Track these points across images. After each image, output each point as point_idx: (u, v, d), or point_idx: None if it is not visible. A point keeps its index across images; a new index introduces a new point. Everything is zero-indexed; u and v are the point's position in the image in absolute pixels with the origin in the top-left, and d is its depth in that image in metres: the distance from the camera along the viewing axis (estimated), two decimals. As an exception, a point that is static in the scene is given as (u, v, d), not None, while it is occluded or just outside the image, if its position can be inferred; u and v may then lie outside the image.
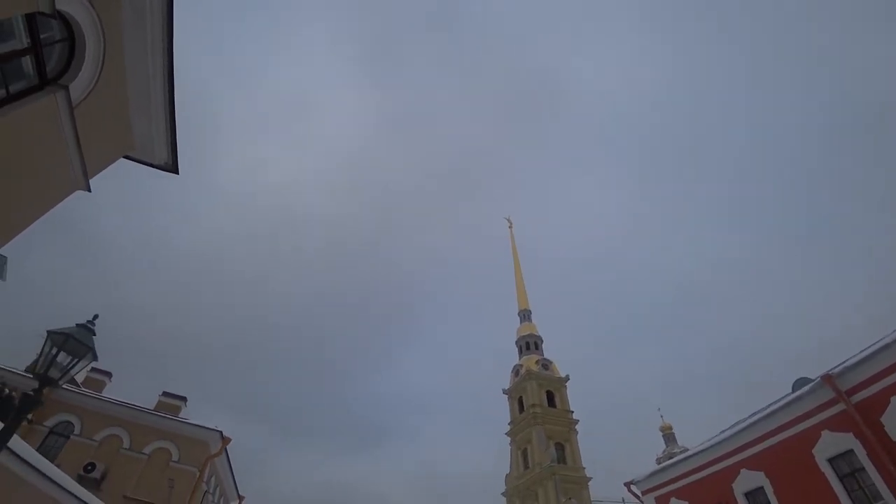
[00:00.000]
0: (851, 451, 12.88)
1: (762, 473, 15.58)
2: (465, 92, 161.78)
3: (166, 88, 7.21)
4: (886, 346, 12.49)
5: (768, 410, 16.17)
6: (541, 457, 53.34)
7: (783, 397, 16.41)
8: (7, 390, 10.78)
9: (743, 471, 16.38)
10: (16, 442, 6.22)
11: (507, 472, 60.25)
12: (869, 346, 13.52)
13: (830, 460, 13.45)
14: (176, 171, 8.71)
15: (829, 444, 13.54)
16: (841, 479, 13.13)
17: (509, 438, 62.14)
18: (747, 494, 16.03)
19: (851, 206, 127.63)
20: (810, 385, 14.38)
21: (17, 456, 6.52)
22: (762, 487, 15.45)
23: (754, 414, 17.68)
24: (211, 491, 20.47)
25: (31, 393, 4.05)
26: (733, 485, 16.57)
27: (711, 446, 18.16)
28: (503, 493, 59.25)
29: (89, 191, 6.67)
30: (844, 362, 13.85)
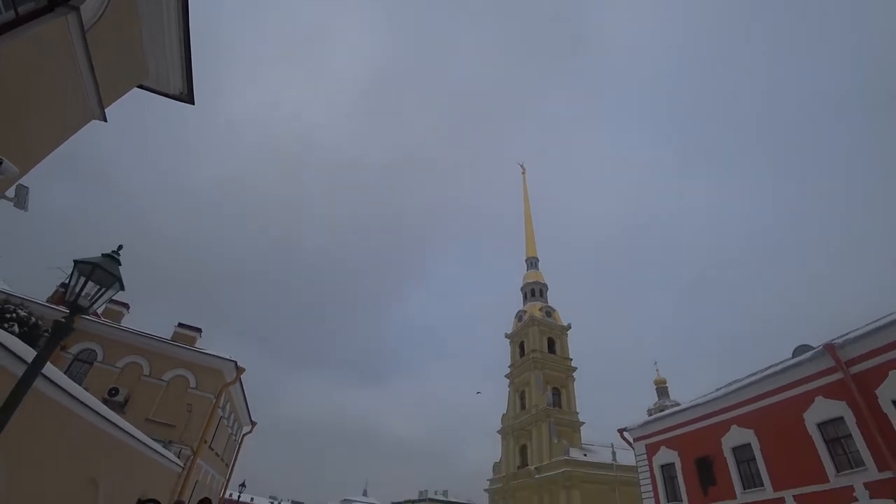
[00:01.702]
0: (841, 418, 13.28)
1: (752, 431, 16.20)
2: (482, 28, 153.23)
3: (180, 12, 6.94)
4: (890, 323, 12.50)
5: (766, 372, 16.54)
6: (538, 399, 55.57)
7: (782, 362, 16.70)
8: (34, 319, 11.29)
9: (733, 427, 17.03)
10: (48, 368, 6.57)
11: (504, 412, 63.11)
12: (875, 321, 13.54)
13: (819, 425, 13.91)
14: (191, 102, 8.55)
15: (821, 410, 13.94)
16: (827, 443, 13.64)
17: (508, 380, 64.50)
18: (734, 449, 16.77)
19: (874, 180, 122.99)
20: (811, 352, 14.58)
21: (51, 381, 6.90)
22: (749, 444, 16.12)
23: (751, 375, 18.09)
24: (226, 416, 21.76)
25: (63, 320, 4.22)
26: (722, 439, 17.29)
27: (706, 401, 18.77)
28: (499, 431, 62.38)
29: (105, 120, 6.62)
30: (848, 333, 13.94)
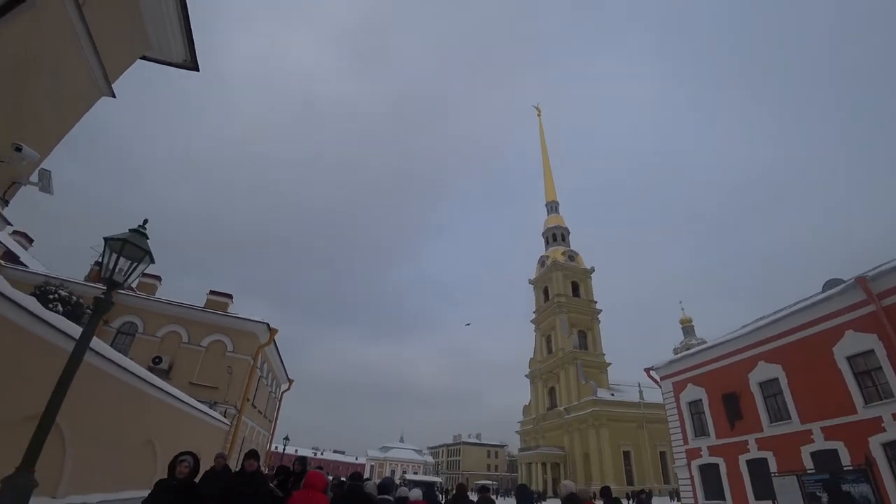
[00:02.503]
0: (872, 351, 13.15)
1: (779, 366, 16.25)
2: None
3: None
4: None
5: (795, 307, 16.36)
6: (564, 343, 56.49)
7: (811, 296, 16.45)
8: (75, 298, 11.86)
9: (761, 363, 17.09)
10: (94, 341, 6.95)
11: (531, 356, 64.53)
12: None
13: (849, 358, 13.83)
14: (196, 69, 8.45)
15: (851, 343, 13.81)
16: (856, 375, 13.60)
17: (534, 326, 65.47)
18: (762, 384, 16.90)
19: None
20: (842, 286, 14.28)
21: (99, 353, 7.33)
22: (777, 379, 16.22)
23: (779, 311, 17.93)
24: (264, 375, 22.88)
25: (102, 296, 4.42)
26: (749, 375, 17.42)
27: (733, 338, 18.80)
28: (527, 375, 64.11)
29: (113, 96, 6.65)
30: (880, 266, 13.56)
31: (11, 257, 20.63)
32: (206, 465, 6.39)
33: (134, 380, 8.84)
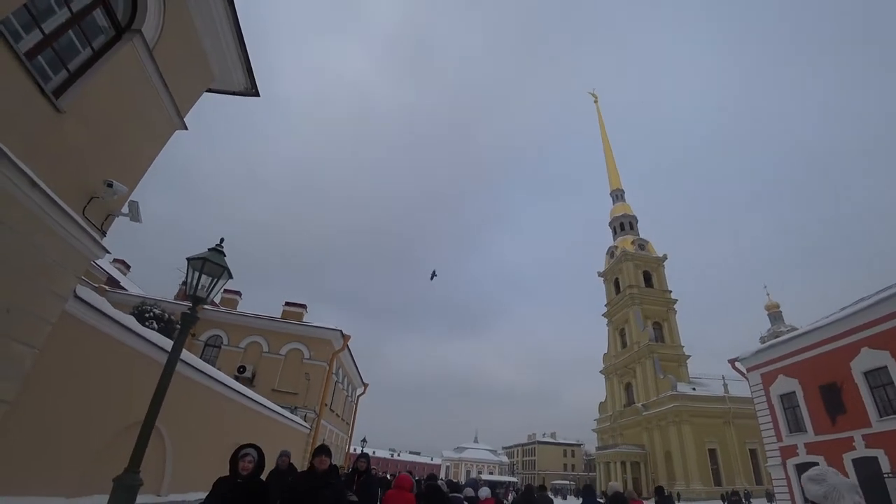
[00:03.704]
0: None
1: (887, 353, 14.57)
2: None
3: (229, 15, 7.25)
4: None
5: (903, 285, 14.63)
6: (639, 336, 54.05)
7: (922, 271, 14.62)
8: (167, 315, 13.04)
9: (864, 349, 15.43)
10: (185, 354, 7.59)
11: (605, 351, 62.34)
12: None
13: (975, 338, 12.15)
14: (257, 94, 8.98)
15: (977, 321, 12.12)
16: None
17: (606, 320, 63.25)
18: (867, 373, 15.24)
19: None
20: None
21: (190, 365, 8.01)
22: (886, 367, 14.56)
23: (883, 290, 16.09)
24: (340, 380, 23.87)
25: (189, 311, 4.83)
26: (851, 363, 15.77)
27: (829, 324, 17.11)
28: (601, 371, 61.99)
29: (186, 129, 7.24)
30: None
31: (113, 282, 23.01)
32: (272, 464, 6.75)
33: (222, 388, 9.56)
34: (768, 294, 52.15)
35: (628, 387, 55.93)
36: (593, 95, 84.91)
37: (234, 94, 8.95)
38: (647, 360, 51.72)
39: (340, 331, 20.77)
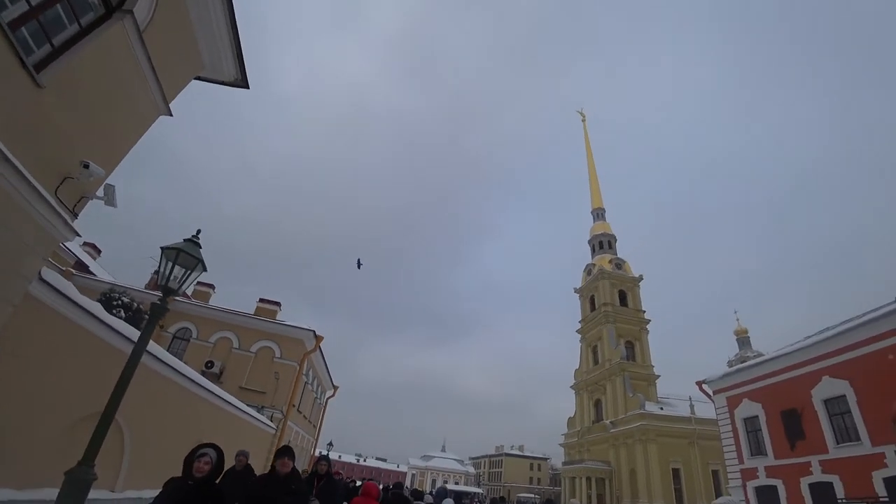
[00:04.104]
0: (954, 366, 12.00)
1: (846, 382, 15.08)
2: None
3: (225, 3, 7.15)
4: None
5: (865, 318, 15.18)
6: (611, 354, 54.73)
7: (883, 306, 15.21)
8: (136, 304, 12.64)
9: (825, 378, 15.92)
10: (151, 345, 7.37)
11: (577, 367, 62.87)
12: None
13: (929, 374, 12.66)
14: (246, 86, 8.85)
15: (931, 357, 12.64)
16: (937, 393, 12.42)
17: (579, 336, 63.86)
18: (827, 401, 15.73)
19: None
20: (918, 295, 13.14)
21: (156, 357, 7.77)
22: (844, 396, 15.04)
23: (846, 322, 16.68)
24: (310, 381, 23.48)
25: (159, 302, 4.68)
26: (812, 391, 16.26)
27: (794, 351, 17.63)
28: (572, 386, 62.46)
29: (170, 115, 7.08)
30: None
31: (82, 267, 22.24)
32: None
33: (188, 383, 9.30)
34: (738, 319, 53.49)
35: (598, 403, 56.47)
36: (581, 114, 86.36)
37: (223, 83, 8.81)
38: (618, 377, 52.37)
39: (313, 331, 20.48)
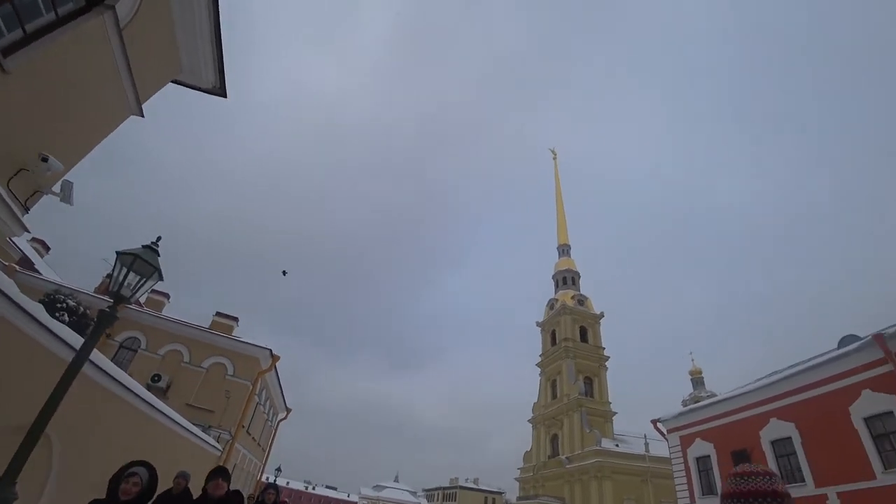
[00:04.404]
0: (891, 412, 12.64)
1: (792, 424, 15.62)
2: None
3: (211, 9, 7.07)
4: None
5: (809, 364, 15.89)
6: (569, 389, 55.08)
7: (827, 352, 16.00)
8: (82, 309, 11.91)
9: (773, 420, 16.46)
10: (95, 354, 6.91)
11: (535, 401, 62.86)
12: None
13: (867, 419, 13.27)
14: (224, 95, 8.71)
15: (869, 404, 13.29)
16: (874, 438, 13.01)
17: (539, 369, 64.13)
18: (774, 442, 16.23)
19: None
20: (859, 343, 13.89)
21: (98, 366, 7.27)
22: (790, 438, 15.56)
23: (793, 366, 17.43)
24: (262, 402, 22.50)
25: (108, 309, 4.41)
26: (761, 432, 16.75)
27: (744, 393, 18.21)
28: (530, 420, 62.26)
29: (142, 116, 6.85)
30: (899, 324, 13.23)
31: (27, 263, 20.89)
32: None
33: (130, 396, 8.74)
34: (693, 360, 55.23)
35: (554, 438, 56.39)
36: (553, 152, 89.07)
37: (200, 90, 8.66)
38: (576, 413, 52.61)
39: (270, 350, 19.78)
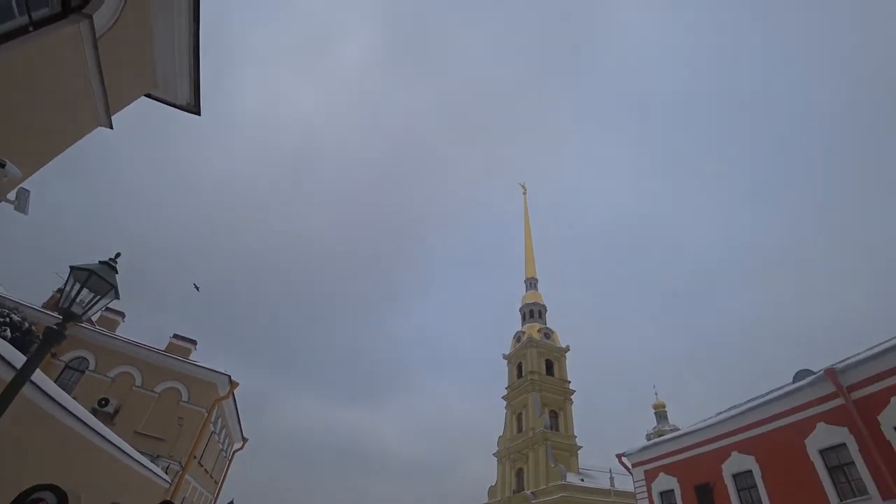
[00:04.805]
0: (844, 445, 13.06)
1: (752, 457, 15.92)
2: (487, 32, 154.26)
3: (191, 26, 7.03)
4: (892, 348, 12.40)
5: (766, 398, 16.35)
6: (535, 422, 54.77)
7: (783, 386, 16.53)
8: (27, 324, 11.17)
9: (734, 453, 16.74)
10: (37, 375, 6.48)
11: (500, 434, 62.16)
12: (875, 346, 13.46)
13: (822, 451, 13.67)
14: (198, 113, 8.57)
15: (823, 436, 13.72)
16: (829, 470, 13.38)
17: (505, 402, 63.73)
18: (735, 476, 16.45)
19: (866, 193, 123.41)
20: (812, 377, 14.43)
21: (38, 388, 6.79)
22: (751, 471, 15.83)
23: (751, 400, 17.89)
24: (217, 431, 21.38)
25: (56, 327, 4.15)
26: (723, 465, 16.98)
27: (705, 427, 18.50)
28: (495, 454, 61.34)
29: (111, 127, 6.65)
30: (849, 358, 13.83)
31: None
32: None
33: (72, 420, 8.17)
34: (656, 393, 56.07)
35: (520, 472, 55.59)
36: (522, 187, 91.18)
37: (173, 105, 8.52)
38: (541, 447, 52.21)
39: (229, 376, 18.98)
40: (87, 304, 4.36)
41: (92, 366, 16.56)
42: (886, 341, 13.15)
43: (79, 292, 4.28)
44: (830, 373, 13.53)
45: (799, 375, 17.01)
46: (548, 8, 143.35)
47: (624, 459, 22.57)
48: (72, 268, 4.39)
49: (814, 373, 15.00)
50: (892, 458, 11.85)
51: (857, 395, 13.01)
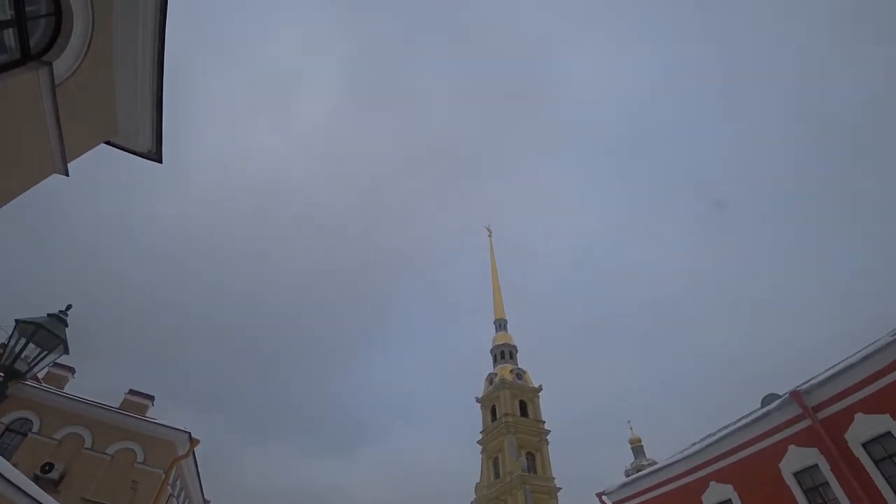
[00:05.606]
0: (816, 465, 13.29)
1: (730, 486, 15.92)
2: (449, 81, 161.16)
3: (155, 74, 7.00)
4: (852, 365, 12.96)
5: (737, 425, 16.57)
6: (512, 466, 53.35)
7: (752, 412, 16.83)
8: (-36, 383, 10.26)
9: (712, 483, 16.70)
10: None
11: (477, 481, 60.07)
12: (836, 364, 14.03)
13: (796, 474, 13.84)
14: (159, 160, 8.41)
15: (795, 459, 13.93)
16: (805, 492, 13.52)
17: (481, 447, 62.03)
18: (715, 506, 16.36)
19: (831, 217, 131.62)
20: (778, 401, 14.79)
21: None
22: (730, 500, 15.78)
23: (723, 428, 18.09)
24: (176, 494, 19.77)
25: (-3, 384, 3.81)
26: (703, 497, 16.87)
27: (681, 459, 18.47)
28: (473, 502, 58.97)
29: (67, 175, 6.42)
30: (811, 379, 14.31)
31: None
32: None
33: (11, 491, 7.42)
34: (631, 428, 55.88)
35: (499, 521, 53.46)
36: (488, 230, 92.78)
37: (133, 153, 8.35)
38: (520, 491, 50.66)
39: (189, 433, 17.81)
40: (32, 360, 4.06)
41: (36, 427, 15.19)
42: (845, 359, 13.73)
43: (24, 347, 3.98)
44: (796, 395, 13.92)
45: (766, 400, 17.42)
46: (499, 59, 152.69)
47: (604, 498, 22.09)
48: (17, 321, 4.11)
49: (780, 396, 15.39)
50: (862, 475, 12.12)
51: (822, 414, 13.39)
